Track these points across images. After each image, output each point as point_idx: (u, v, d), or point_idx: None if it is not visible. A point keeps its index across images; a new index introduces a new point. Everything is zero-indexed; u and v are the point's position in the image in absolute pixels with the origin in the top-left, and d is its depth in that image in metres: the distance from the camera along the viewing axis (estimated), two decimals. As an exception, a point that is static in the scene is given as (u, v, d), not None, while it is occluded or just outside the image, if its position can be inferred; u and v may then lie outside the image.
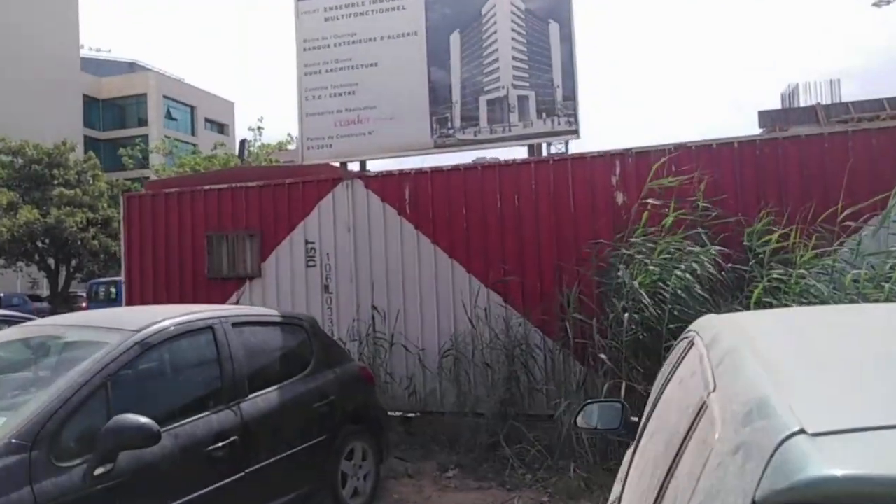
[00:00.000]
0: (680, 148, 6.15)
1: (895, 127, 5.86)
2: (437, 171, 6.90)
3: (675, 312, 4.48)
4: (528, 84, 6.57)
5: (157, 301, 7.41)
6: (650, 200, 5.47)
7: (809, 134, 5.95)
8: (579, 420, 2.46)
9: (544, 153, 6.60)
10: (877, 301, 3.82)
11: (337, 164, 7.43)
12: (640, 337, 4.70)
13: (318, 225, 7.26)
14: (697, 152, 6.09)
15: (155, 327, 3.04)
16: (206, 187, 7.68)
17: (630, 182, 6.26)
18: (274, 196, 7.48)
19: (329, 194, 7.31)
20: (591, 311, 5.60)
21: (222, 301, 7.35)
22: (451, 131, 6.77)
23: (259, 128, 22.34)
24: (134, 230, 7.85)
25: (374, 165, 7.84)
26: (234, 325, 3.51)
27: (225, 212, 7.58)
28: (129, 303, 7.72)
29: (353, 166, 7.30)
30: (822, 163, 5.78)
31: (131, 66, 47.33)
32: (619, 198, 6.30)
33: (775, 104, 21.18)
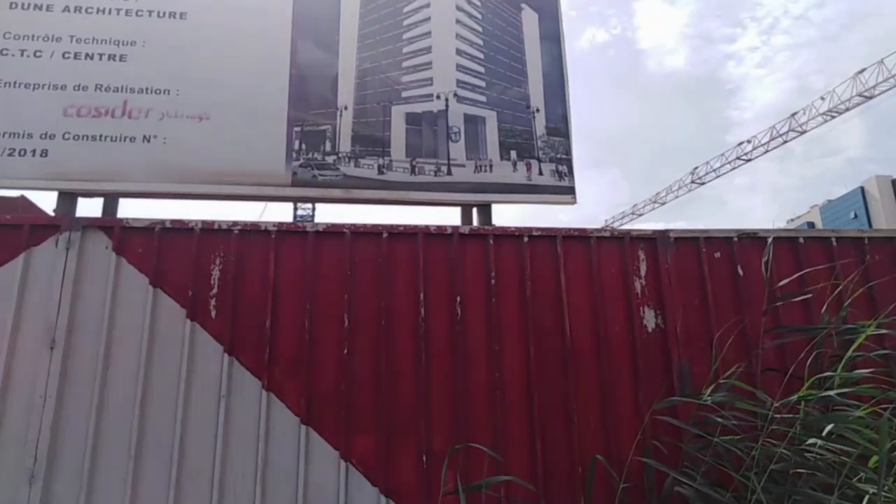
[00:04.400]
0: (747, 236, 4.49)
1: None
2: (289, 233, 4.24)
3: None
4: (484, 98, 4.61)
5: None
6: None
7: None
8: None
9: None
10: None
11: (35, 200, 4.27)
12: None
13: (-33, 329, 3.81)
14: (776, 245, 4.49)
15: None
16: None
17: (667, 290, 4.31)
18: None
19: (14, 261, 4.05)
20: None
21: None
22: (329, 159, 4.30)
23: None
24: None
25: (140, 209, 4.75)
26: None
27: None
28: None
29: (91, 206, 4.23)
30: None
31: None
32: (650, 318, 4.25)
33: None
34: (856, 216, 35.64)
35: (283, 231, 4.34)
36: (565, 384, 4.21)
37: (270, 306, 4.17)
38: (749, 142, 30.96)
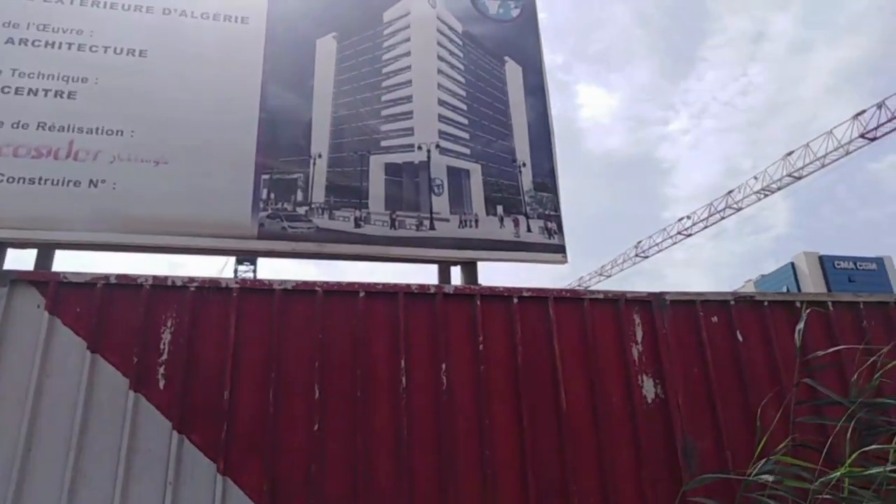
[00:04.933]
0: (744, 301, 4.30)
1: None
2: (253, 291, 3.82)
3: None
4: (468, 151, 4.41)
5: None
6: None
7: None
8: None
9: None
10: None
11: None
12: None
13: None
14: (772, 309, 4.32)
15: None
16: None
17: (665, 357, 4.05)
18: None
19: (-74, 319, 3.48)
20: None
21: None
22: (301, 210, 3.95)
23: None
24: None
25: (80, 263, 4.35)
26: None
27: None
28: None
29: (24, 258, 3.75)
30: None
31: None
32: (649, 388, 3.95)
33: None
34: (787, 290, 37.08)
35: (246, 289, 3.88)
36: (562, 462, 3.81)
37: (230, 375, 3.66)
38: (689, 217, 32.20)
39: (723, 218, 30.99)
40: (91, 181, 3.95)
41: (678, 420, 4.01)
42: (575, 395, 3.98)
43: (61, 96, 4.12)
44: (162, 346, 3.71)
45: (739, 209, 29.99)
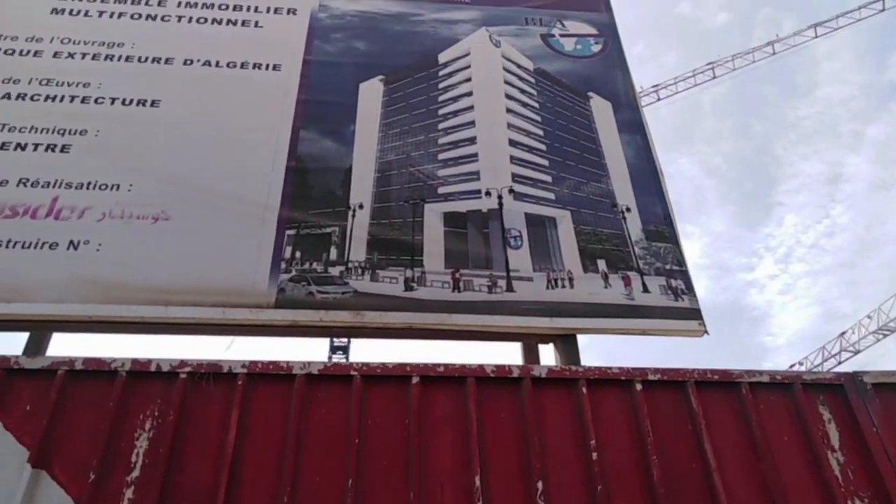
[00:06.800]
0: None
1: None
2: (266, 377, 2.73)
3: None
4: (551, 195, 3.48)
5: None
6: None
7: None
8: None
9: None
10: None
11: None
12: None
13: None
14: None
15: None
16: None
17: (887, 472, 2.64)
18: None
19: None
20: None
21: None
22: (334, 271, 3.00)
23: None
24: None
25: (62, 346, 3.43)
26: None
27: None
28: None
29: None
30: None
31: None
32: (866, 523, 2.53)
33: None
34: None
35: (256, 374, 2.81)
36: None
37: (224, 499, 2.50)
38: (801, 363, 29.61)
39: (839, 363, 28.29)
40: (71, 242, 3.15)
41: (930, 574, 2.50)
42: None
43: (53, 150, 3.48)
44: (133, 458, 2.62)
45: (857, 351, 27.24)
